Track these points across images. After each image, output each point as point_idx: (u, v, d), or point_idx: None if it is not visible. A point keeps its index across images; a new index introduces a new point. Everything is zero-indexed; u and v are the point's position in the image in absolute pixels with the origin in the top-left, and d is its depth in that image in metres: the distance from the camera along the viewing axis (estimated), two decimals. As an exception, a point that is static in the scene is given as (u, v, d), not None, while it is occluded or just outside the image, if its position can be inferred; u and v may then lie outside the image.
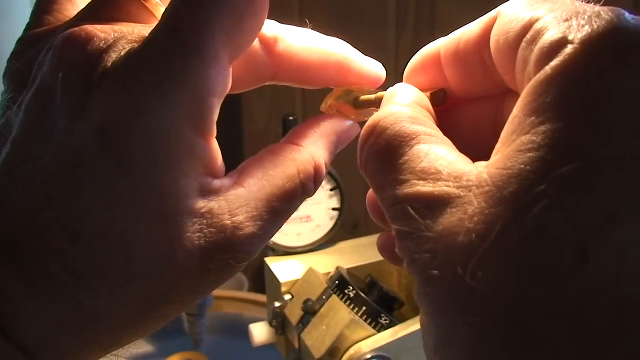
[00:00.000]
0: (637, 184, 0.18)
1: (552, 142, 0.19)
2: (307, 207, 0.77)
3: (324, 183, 0.77)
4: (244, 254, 0.26)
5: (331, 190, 0.77)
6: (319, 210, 0.77)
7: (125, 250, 0.24)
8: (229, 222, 0.26)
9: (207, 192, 0.25)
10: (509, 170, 0.20)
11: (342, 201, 0.77)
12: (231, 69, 0.26)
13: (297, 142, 0.30)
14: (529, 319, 0.19)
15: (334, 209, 0.78)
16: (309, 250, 0.78)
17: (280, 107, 1.22)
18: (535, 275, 0.19)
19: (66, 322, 0.24)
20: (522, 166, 0.20)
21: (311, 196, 0.30)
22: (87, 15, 0.27)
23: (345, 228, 0.79)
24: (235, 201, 0.26)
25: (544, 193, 0.19)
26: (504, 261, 0.19)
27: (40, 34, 0.27)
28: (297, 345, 0.68)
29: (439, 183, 0.22)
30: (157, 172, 0.24)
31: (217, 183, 0.26)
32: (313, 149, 0.30)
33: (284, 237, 0.77)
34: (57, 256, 0.24)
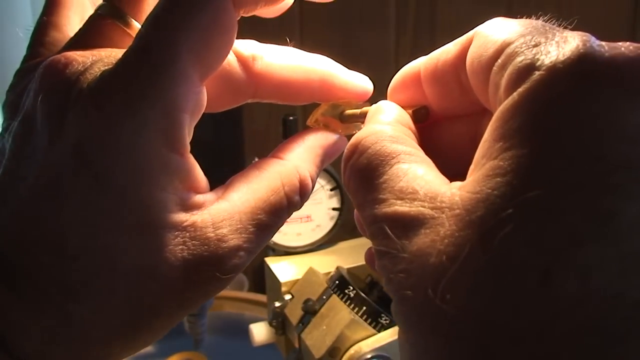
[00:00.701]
0: (599, 208, 0.19)
1: (517, 168, 0.20)
2: (307, 207, 0.77)
3: (323, 183, 0.77)
4: (229, 266, 0.27)
5: (331, 190, 0.77)
6: (319, 210, 0.78)
7: (108, 263, 0.25)
8: (212, 234, 0.26)
9: (190, 207, 0.26)
10: (478, 195, 0.20)
11: (342, 201, 0.78)
12: (204, 87, 0.27)
13: (281, 156, 0.30)
14: (493, 342, 0.19)
15: (334, 209, 0.78)
16: (309, 250, 0.78)
17: (280, 107, 1.21)
18: (499, 298, 0.19)
19: (57, 333, 0.25)
20: (490, 191, 0.20)
21: (298, 209, 0.30)
22: (73, 44, 0.28)
23: (345, 228, 0.79)
24: (219, 214, 0.27)
25: (509, 217, 0.19)
26: (470, 284, 0.20)
27: (33, 65, 0.29)
28: (297, 345, 0.68)
29: (415, 203, 0.22)
30: (133, 186, 0.25)
31: (199, 198, 0.27)
32: (298, 162, 0.30)
33: (284, 237, 0.77)
34: (46, 270, 0.24)
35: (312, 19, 1.10)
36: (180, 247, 0.25)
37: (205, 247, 0.26)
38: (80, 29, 0.29)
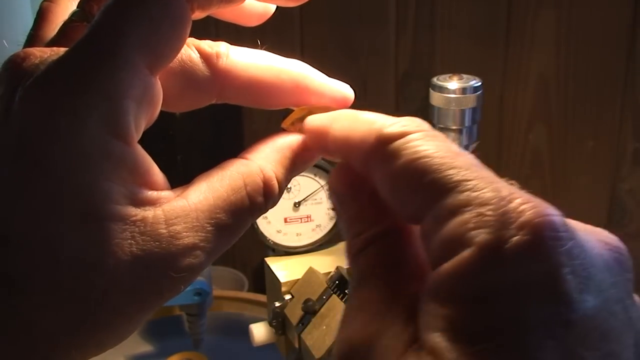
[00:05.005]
0: None
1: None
2: (307, 207, 0.77)
3: (323, 183, 0.77)
4: (184, 265, 0.26)
5: (331, 190, 0.77)
6: (319, 210, 0.78)
7: (51, 254, 0.24)
8: (164, 231, 0.25)
9: (141, 202, 0.25)
10: None
11: (342, 201, 0.77)
12: (156, 79, 0.26)
13: (245, 157, 0.29)
14: None
15: (334, 209, 0.78)
16: (309, 250, 0.78)
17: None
18: None
19: (2, 326, 0.24)
20: None
21: (264, 212, 0.29)
22: (45, 46, 0.28)
23: (345, 228, 0.79)
24: (173, 211, 0.26)
25: None
26: None
27: None
28: (297, 345, 0.68)
29: None
30: (73, 171, 0.24)
31: (153, 194, 0.26)
32: (262, 162, 0.29)
33: (283, 237, 0.77)
34: None
35: (312, 18, 1.10)
36: (129, 241, 0.25)
37: (157, 243, 0.25)
38: (54, 35, 0.29)
